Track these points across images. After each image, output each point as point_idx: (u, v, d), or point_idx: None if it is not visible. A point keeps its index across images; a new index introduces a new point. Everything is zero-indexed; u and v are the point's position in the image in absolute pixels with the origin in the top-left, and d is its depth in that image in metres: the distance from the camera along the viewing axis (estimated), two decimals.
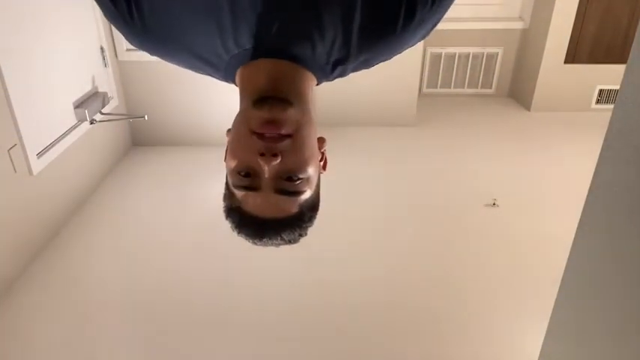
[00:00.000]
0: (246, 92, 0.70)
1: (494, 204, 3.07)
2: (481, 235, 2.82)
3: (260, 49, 0.68)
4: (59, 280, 2.48)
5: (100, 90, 3.27)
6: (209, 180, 3.25)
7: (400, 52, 0.74)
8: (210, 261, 2.59)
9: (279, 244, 0.70)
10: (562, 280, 1.44)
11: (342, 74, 0.75)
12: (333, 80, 0.76)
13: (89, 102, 3.07)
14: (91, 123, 3.06)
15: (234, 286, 2.44)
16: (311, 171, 0.67)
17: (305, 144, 0.66)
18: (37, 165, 2.59)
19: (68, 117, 2.92)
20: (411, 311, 2.30)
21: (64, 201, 2.91)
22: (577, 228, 1.34)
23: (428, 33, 0.74)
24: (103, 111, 3.21)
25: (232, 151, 0.66)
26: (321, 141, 0.72)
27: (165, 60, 0.76)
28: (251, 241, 0.69)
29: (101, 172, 3.37)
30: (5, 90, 2.33)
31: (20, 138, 2.45)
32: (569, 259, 1.40)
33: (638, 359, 1.10)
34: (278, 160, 0.63)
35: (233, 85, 0.76)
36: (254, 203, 0.67)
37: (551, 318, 1.51)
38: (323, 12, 0.67)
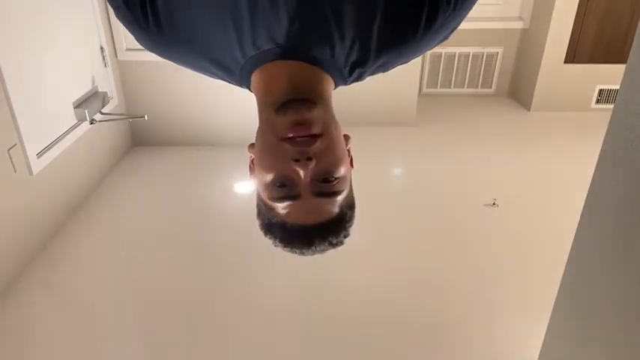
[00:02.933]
0: (265, 100, 0.67)
1: (494, 204, 3.06)
2: (481, 235, 2.82)
3: (278, 51, 0.66)
4: (59, 280, 2.48)
5: (100, 90, 3.27)
6: (209, 180, 3.25)
7: (418, 56, 0.73)
8: (210, 261, 2.59)
9: (327, 250, 0.68)
10: (562, 280, 1.44)
11: (359, 78, 0.74)
12: (350, 84, 0.75)
13: (89, 102, 3.07)
14: (91, 123, 3.05)
15: (234, 285, 2.44)
16: (344, 169, 0.66)
17: (335, 142, 0.65)
18: (37, 165, 2.59)
19: (68, 117, 2.92)
20: (410, 311, 2.30)
21: (64, 201, 2.91)
22: (577, 228, 1.34)
23: (447, 37, 0.72)
24: (103, 111, 3.20)
25: (263, 163, 0.64)
26: (346, 138, 0.71)
27: (178, 64, 0.74)
28: (299, 252, 0.67)
29: (101, 172, 3.37)
30: (5, 90, 2.33)
31: (20, 138, 2.45)
32: (569, 258, 1.40)
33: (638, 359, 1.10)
34: (313, 164, 0.61)
35: (247, 90, 0.74)
36: (296, 212, 0.65)
37: (551, 318, 1.51)
38: (343, 13, 0.65)
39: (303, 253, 0.68)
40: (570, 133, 4.00)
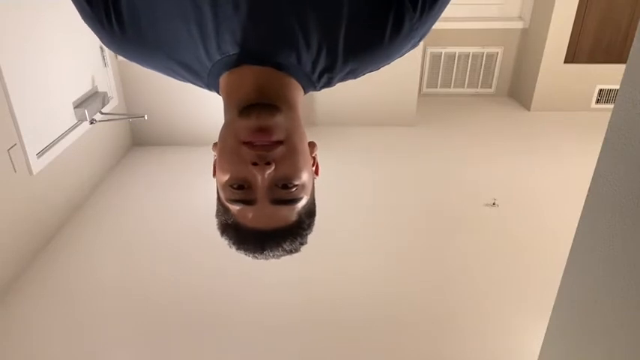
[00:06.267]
0: (231, 102, 0.68)
1: (494, 204, 3.07)
2: (481, 235, 2.82)
3: (243, 56, 0.67)
4: (59, 281, 2.48)
5: (100, 90, 3.27)
6: (209, 180, 3.25)
7: (388, 63, 0.73)
8: (210, 261, 2.59)
9: (281, 256, 0.68)
10: (562, 280, 1.44)
11: (328, 83, 0.74)
12: (319, 90, 0.75)
13: (89, 102, 3.07)
14: (91, 123, 3.06)
15: (235, 286, 2.44)
16: (305, 177, 0.65)
17: (297, 150, 0.64)
18: (37, 165, 2.59)
19: (68, 117, 2.92)
20: (411, 311, 2.30)
21: (64, 201, 2.91)
22: (577, 228, 1.34)
23: (417, 44, 0.72)
24: (103, 111, 3.21)
25: (222, 164, 0.65)
26: (311, 146, 0.70)
27: (145, 66, 0.74)
28: (251, 255, 0.68)
29: (101, 172, 3.37)
30: (5, 90, 2.33)
31: (20, 138, 2.45)
32: (569, 259, 1.40)
33: (638, 359, 1.10)
34: (272, 169, 0.61)
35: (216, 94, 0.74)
36: (250, 216, 0.65)
37: (551, 318, 1.51)
38: (308, 19, 0.65)
39: (255, 257, 0.68)
40: (570, 133, 4.00)
